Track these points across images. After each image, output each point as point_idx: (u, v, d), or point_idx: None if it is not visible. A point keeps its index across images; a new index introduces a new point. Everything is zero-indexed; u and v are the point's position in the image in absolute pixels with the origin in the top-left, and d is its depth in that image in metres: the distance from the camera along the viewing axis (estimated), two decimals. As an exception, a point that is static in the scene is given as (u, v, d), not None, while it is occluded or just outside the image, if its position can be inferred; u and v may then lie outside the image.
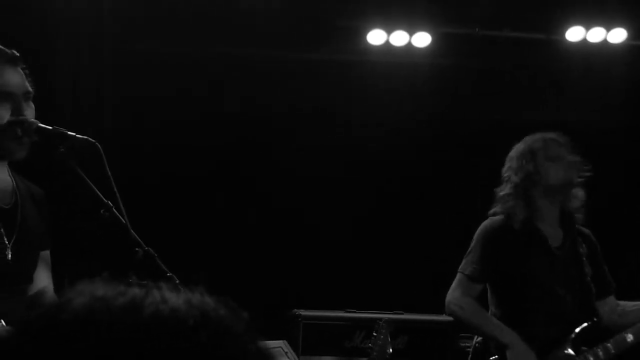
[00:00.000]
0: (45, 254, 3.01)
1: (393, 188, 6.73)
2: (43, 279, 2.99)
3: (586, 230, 4.14)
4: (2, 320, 2.57)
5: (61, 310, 0.87)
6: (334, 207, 6.58)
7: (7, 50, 2.83)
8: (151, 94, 6.20)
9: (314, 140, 6.58)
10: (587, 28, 6.33)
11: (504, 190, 4.05)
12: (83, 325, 0.86)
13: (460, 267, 4.06)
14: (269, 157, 6.57)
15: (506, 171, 4.08)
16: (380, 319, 4.21)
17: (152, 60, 6.23)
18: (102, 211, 2.60)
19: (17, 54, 2.84)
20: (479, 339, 4.14)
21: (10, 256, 2.77)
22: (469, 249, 4.07)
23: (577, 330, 3.94)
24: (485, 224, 4.08)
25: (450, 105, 6.75)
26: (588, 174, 4.04)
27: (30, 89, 2.82)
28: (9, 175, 2.90)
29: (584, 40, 6.37)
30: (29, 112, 2.78)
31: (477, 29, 6.40)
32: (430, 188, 6.73)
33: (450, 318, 4.23)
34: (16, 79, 2.80)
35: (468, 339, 4.93)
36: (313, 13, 6.22)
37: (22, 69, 2.84)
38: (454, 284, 4.05)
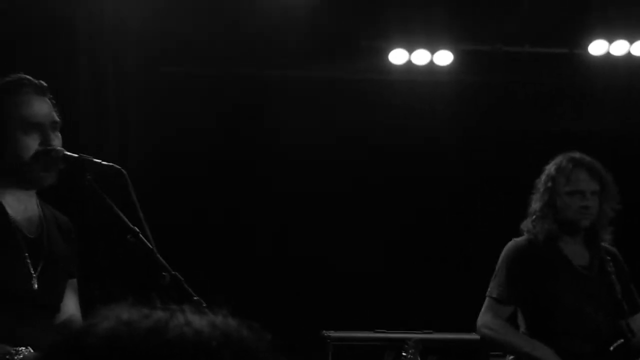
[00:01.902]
0: (73, 282, 3.02)
1: (419, 206, 6.71)
2: (70, 307, 3.00)
3: (613, 249, 4.11)
4: (30, 348, 2.58)
5: (87, 334, 0.88)
6: (362, 227, 6.57)
7: (35, 80, 2.87)
8: (176, 118, 6.24)
9: (338, 159, 6.58)
10: (610, 41, 6.31)
11: (531, 208, 4.05)
12: (108, 349, 0.87)
13: (488, 290, 4.06)
14: (292, 176, 6.58)
15: (535, 189, 4.07)
16: (410, 339, 4.20)
17: (178, 82, 6.28)
18: (128, 237, 2.62)
19: (45, 84, 2.87)
20: (511, 357, 4.11)
21: (37, 286, 2.79)
22: (495, 271, 4.06)
23: (612, 347, 3.91)
24: (509, 245, 4.07)
25: (473, 122, 6.74)
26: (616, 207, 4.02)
27: (57, 118, 2.85)
28: (37, 205, 2.92)
29: (607, 54, 6.34)
30: (57, 141, 2.81)
31: (499, 46, 6.40)
32: (455, 205, 6.70)
33: (478, 336, 4.20)
34: (44, 109, 2.84)
35: (498, 358, 4.89)
36: (335, 33, 6.25)
37: (49, 98, 2.87)
38: (483, 308, 4.05)
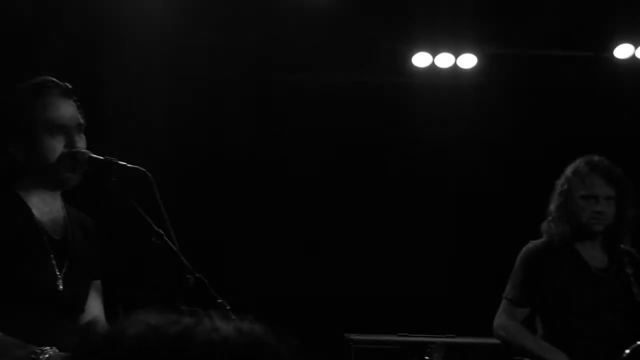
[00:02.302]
0: (97, 283, 3.04)
1: (442, 209, 6.70)
2: (95, 308, 3.02)
3: (633, 251, 4.09)
4: (55, 348, 2.60)
5: (114, 339, 0.89)
6: (385, 230, 6.57)
7: (60, 83, 2.88)
8: (201, 122, 6.26)
9: (361, 163, 6.58)
10: (636, 45, 6.27)
11: (548, 210, 4.04)
12: (137, 354, 0.87)
13: (504, 292, 4.06)
14: (315, 179, 6.58)
15: (554, 191, 4.06)
16: (433, 343, 4.20)
17: (203, 86, 6.30)
18: (153, 239, 2.63)
19: (70, 87, 2.89)
20: None
21: (62, 287, 2.81)
22: (512, 273, 4.05)
23: (628, 350, 3.88)
24: (526, 247, 4.07)
25: (497, 126, 6.71)
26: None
27: (82, 120, 2.87)
28: (62, 206, 2.94)
29: (633, 57, 6.30)
30: (81, 143, 2.83)
31: (523, 49, 6.38)
32: (478, 209, 6.68)
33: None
34: (69, 111, 2.86)
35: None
36: (358, 36, 6.25)
37: (74, 100, 2.89)
38: (499, 309, 4.07)
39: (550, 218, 4.02)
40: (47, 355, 2.56)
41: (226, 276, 3.54)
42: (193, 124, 6.28)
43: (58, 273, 2.81)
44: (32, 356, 2.55)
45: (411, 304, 6.30)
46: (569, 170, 4.03)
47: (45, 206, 2.87)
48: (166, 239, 2.61)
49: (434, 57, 6.39)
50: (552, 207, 4.02)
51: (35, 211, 2.84)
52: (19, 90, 2.87)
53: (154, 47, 5.88)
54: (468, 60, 6.42)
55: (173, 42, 5.98)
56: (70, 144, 2.81)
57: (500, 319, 4.03)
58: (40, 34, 5.55)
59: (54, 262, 2.81)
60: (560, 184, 4.03)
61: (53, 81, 2.88)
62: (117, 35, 5.77)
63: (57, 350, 2.58)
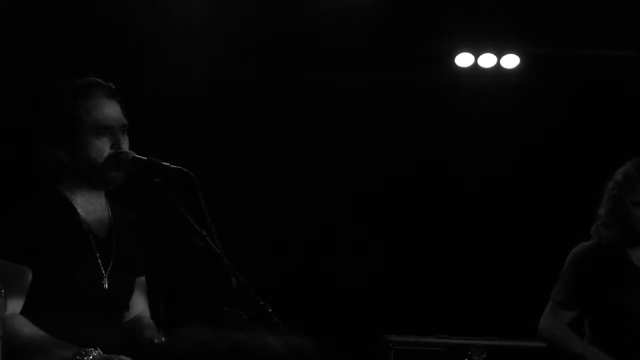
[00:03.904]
0: (141, 280, 3.06)
1: (484, 210, 6.66)
2: (139, 305, 3.05)
3: None
4: (99, 348, 2.61)
5: (166, 355, 0.89)
6: (425, 230, 6.55)
7: (105, 83, 2.89)
8: (244, 122, 6.28)
9: (403, 164, 6.57)
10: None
11: (598, 213, 3.99)
12: None
13: (552, 293, 4.00)
14: (355, 182, 6.57)
15: (603, 194, 4.01)
16: (473, 345, 4.16)
17: (245, 88, 6.32)
18: (196, 240, 2.64)
19: (114, 87, 2.91)
20: None
21: (107, 285, 2.83)
22: (561, 274, 4.01)
23: None
24: (575, 249, 4.01)
25: (540, 126, 6.66)
26: None
27: (126, 121, 2.89)
28: (106, 205, 2.96)
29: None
30: (125, 144, 2.85)
31: (566, 49, 6.32)
32: (520, 208, 6.64)
33: (544, 344, 4.16)
34: (115, 112, 2.87)
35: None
36: (401, 36, 6.24)
37: (118, 101, 2.90)
38: (545, 311, 4.00)
39: (599, 222, 3.96)
40: (90, 357, 2.57)
41: (265, 277, 3.54)
42: (231, 125, 6.29)
43: (104, 272, 2.83)
44: (77, 357, 2.57)
45: (451, 306, 6.27)
46: (619, 175, 3.96)
47: (90, 205, 2.89)
48: (209, 240, 2.62)
49: (476, 57, 6.37)
50: (602, 211, 3.96)
51: (80, 210, 2.86)
52: (63, 90, 2.87)
53: (192, 47, 5.91)
54: (511, 61, 6.38)
55: (209, 42, 6.00)
56: (116, 144, 2.83)
57: (546, 321, 3.96)
58: (73, 33, 5.59)
59: (99, 261, 2.83)
60: (610, 188, 3.97)
61: (98, 82, 2.89)
62: (157, 33, 5.80)
63: (100, 352, 2.59)
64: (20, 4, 5.48)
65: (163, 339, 2.81)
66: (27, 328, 2.64)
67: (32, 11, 5.49)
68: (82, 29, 5.56)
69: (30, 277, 2.71)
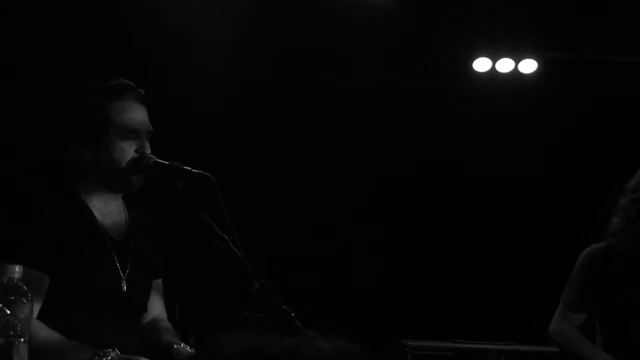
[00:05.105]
0: (158, 282, 3.07)
1: (500, 213, 6.65)
2: (156, 307, 3.06)
3: None
4: (117, 350, 2.62)
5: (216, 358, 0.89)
6: (442, 235, 6.55)
7: (136, 87, 2.91)
8: (262, 126, 6.30)
9: (420, 166, 6.57)
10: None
11: (613, 215, 3.97)
12: None
13: (562, 296, 3.99)
14: (371, 188, 6.58)
15: (622, 196, 3.99)
16: (490, 350, 4.16)
17: (265, 91, 6.33)
18: (217, 244, 2.64)
19: (143, 92, 2.93)
20: None
21: (125, 287, 2.84)
22: (571, 276, 4.00)
23: None
24: (586, 251, 3.99)
25: (557, 131, 6.65)
26: None
27: (151, 128, 2.90)
28: (123, 208, 2.97)
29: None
30: (148, 150, 2.86)
31: (585, 54, 6.31)
32: (535, 211, 6.63)
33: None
34: (143, 117, 2.88)
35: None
36: (419, 41, 6.24)
37: (145, 106, 2.92)
38: (556, 314, 3.98)
39: (615, 224, 3.95)
40: (109, 358, 2.57)
41: (282, 281, 3.55)
42: (257, 127, 6.31)
43: (122, 274, 2.84)
44: (95, 359, 2.57)
45: (468, 310, 6.26)
46: (638, 176, 3.96)
47: (106, 208, 2.90)
48: (230, 244, 2.62)
49: (494, 62, 6.37)
50: (617, 215, 3.95)
51: (96, 213, 2.86)
52: (96, 90, 2.88)
53: (211, 49, 5.92)
54: (528, 66, 6.38)
55: (238, 44, 6.02)
56: (140, 149, 2.84)
57: (556, 323, 3.95)
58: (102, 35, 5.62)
59: (117, 264, 2.84)
60: (629, 190, 3.95)
61: (130, 85, 2.90)
62: (181, 38, 5.82)
63: (118, 353, 2.60)
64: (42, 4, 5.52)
65: (182, 344, 2.82)
66: (43, 332, 2.63)
67: (50, 10, 5.51)
68: (101, 31, 5.60)
69: (47, 281, 2.70)
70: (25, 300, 1.95)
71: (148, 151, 2.85)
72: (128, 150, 2.83)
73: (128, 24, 5.62)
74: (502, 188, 6.64)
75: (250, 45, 6.02)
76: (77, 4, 5.51)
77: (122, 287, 2.82)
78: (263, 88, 6.30)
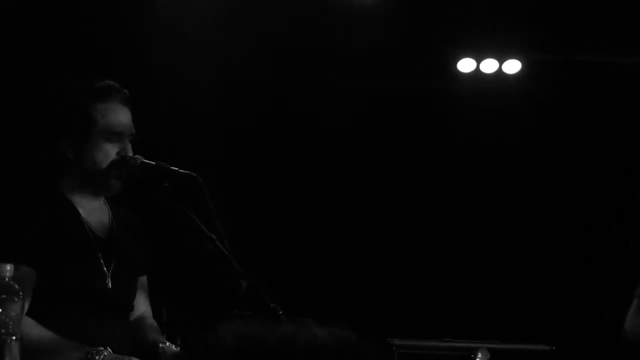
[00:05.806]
0: (143, 279, 3.09)
1: (487, 214, 6.68)
2: (142, 305, 3.08)
3: None
4: (109, 348, 2.63)
5: (217, 349, 0.91)
6: (428, 234, 6.57)
7: (121, 89, 2.93)
8: (262, 126, 6.30)
9: (406, 167, 6.59)
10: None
11: None
12: None
13: (636, 290, 3.81)
14: (361, 189, 6.59)
15: None
16: (477, 349, 4.17)
17: (264, 91, 6.34)
18: (205, 244, 2.66)
19: (128, 94, 2.94)
20: None
21: (110, 285, 2.85)
22: None
23: None
24: None
25: (542, 131, 6.68)
26: None
27: (134, 131, 2.92)
28: (105, 206, 2.99)
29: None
30: (130, 152, 2.88)
31: (569, 55, 6.34)
32: (524, 212, 6.65)
33: (547, 347, 4.14)
34: (127, 119, 2.91)
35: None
36: (403, 41, 6.26)
37: (130, 109, 2.94)
38: (630, 311, 3.80)
39: None
40: (101, 356, 2.58)
41: (270, 280, 3.56)
42: (253, 127, 6.31)
43: (107, 271, 2.85)
44: (88, 357, 2.58)
45: (456, 309, 6.28)
46: None
47: (90, 206, 2.92)
48: (218, 243, 2.64)
49: (478, 63, 6.40)
50: None
51: (81, 211, 2.89)
52: (81, 90, 2.90)
53: (203, 49, 5.92)
54: (512, 66, 6.41)
55: (235, 44, 6.02)
56: (122, 151, 2.86)
57: (631, 320, 3.75)
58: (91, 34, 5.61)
59: (102, 261, 2.86)
60: None
61: (116, 86, 2.92)
62: (169, 38, 5.81)
63: (110, 351, 2.61)
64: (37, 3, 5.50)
65: (168, 343, 2.84)
66: (36, 330, 2.65)
67: (45, 10, 5.49)
68: (95, 30, 5.59)
69: (34, 278, 2.71)
70: (16, 299, 1.96)
71: (130, 153, 2.87)
72: (110, 152, 2.86)
73: (128, 24, 5.62)
74: (486, 187, 6.66)
75: (250, 45, 6.02)
76: (76, 4, 5.51)
77: (107, 284, 2.84)
78: (263, 88, 6.30)
